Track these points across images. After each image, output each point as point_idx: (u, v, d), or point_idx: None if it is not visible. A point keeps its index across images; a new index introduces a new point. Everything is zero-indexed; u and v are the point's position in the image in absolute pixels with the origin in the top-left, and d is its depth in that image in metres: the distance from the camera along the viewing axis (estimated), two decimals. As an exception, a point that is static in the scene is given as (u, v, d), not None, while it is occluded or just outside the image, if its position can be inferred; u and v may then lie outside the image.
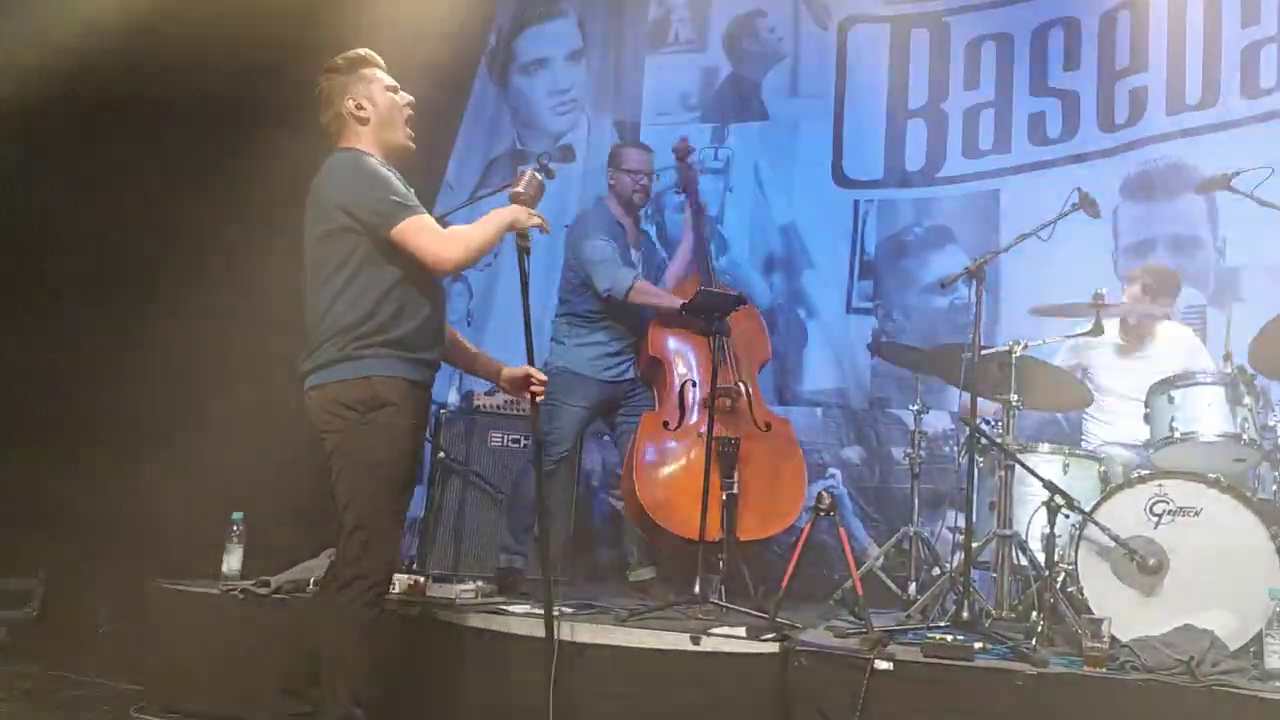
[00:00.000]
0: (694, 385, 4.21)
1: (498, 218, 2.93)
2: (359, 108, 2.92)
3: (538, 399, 3.12)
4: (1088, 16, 5.28)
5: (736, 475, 3.76)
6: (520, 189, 3.02)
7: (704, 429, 3.80)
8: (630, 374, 4.36)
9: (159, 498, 4.40)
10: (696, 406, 4.17)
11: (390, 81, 2.99)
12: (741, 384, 4.21)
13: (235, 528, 3.87)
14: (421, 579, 3.64)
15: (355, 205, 2.79)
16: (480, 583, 3.79)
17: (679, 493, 3.97)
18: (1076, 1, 5.32)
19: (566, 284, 4.37)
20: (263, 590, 3.59)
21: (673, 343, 4.28)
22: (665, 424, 4.16)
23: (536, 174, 3.07)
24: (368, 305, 2.79)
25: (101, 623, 4.38)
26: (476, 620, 3.33)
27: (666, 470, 4.08)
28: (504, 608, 3.46)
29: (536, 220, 2.96)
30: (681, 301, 4.13)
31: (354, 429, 2.75)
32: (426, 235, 2.81)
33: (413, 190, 2.92)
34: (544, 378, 3.13)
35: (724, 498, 3.70)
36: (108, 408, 4.49)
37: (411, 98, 3.00)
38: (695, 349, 4.27)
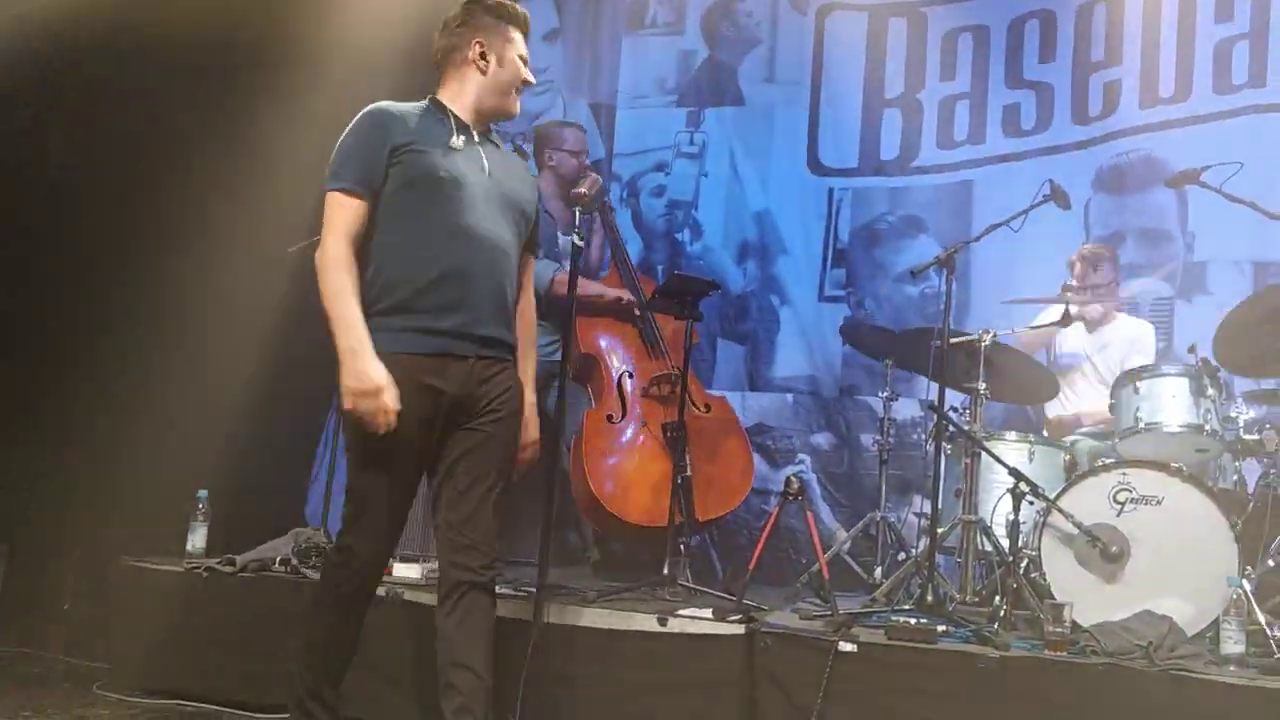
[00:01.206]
0: (630, 376, 4.25)
1: (352, 339, 2.44)
2: (483, 57, 2.69)
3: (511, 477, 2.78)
4: (1064, 10, 5.31)
5: (688, 458, 3.80)
6: (584, 190, 3.02)
7: (647, 419, 3.94)
8: (557, 355, 4.32)
9: (125, 473, 4.36)
10: (636, 396, 4.21)
11: (525, 51, 2.77)
12: (677, 369, 4.24)
13: (200, 505, 3.85)
14: (390, 560, 3.62)
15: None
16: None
17: (634, 484, 4.02)
18: (1053, -6, 5.37)
19: None
20: (227, 569, 3.57)
21: (601, 337, 4.31)
22: (609, 418, 4.19)
23: (599, 180, 3.07)
24: (365, 272, 2.57)
25: (65, 599, 4.33)
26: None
27: (619, 464, 4.11)
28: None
29: (372, 406, 2.42)
30: (604, 290, 4.21)
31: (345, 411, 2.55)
32: (328, 215, 2.54)
33: (449, 143, 2.61)
34: (532, 458, 2.86)
35: (678, 481, 3.73)
36: (73, 381, 4.44)
37: (534, 81, 2.79)
38: (624, 340, 4.32)
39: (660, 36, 5.95)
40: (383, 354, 2.49)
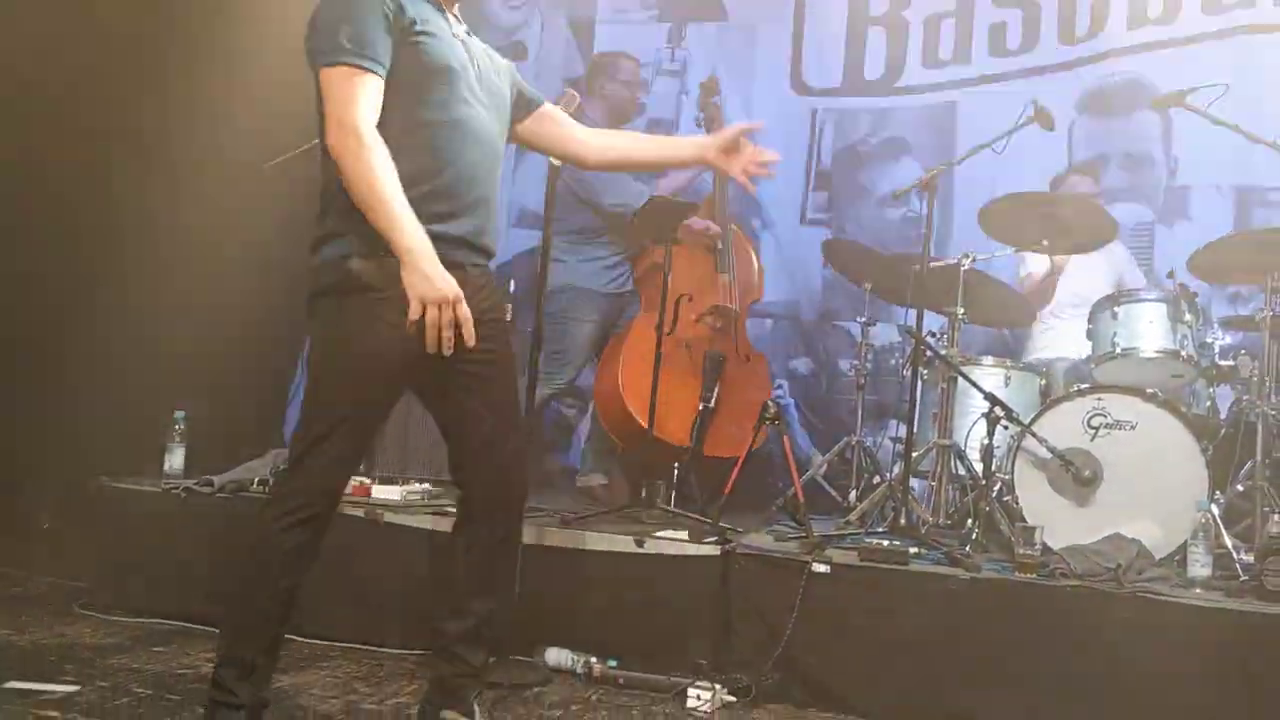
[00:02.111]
0: (689, 300, 4.32)
1: (412, 239, 2.13)
2: None
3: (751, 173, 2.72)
4: (1054, -77, 5.19)
5: (716, 391, 3.84)
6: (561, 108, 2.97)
7: (692, 343, 4.12)
8: (629, 285, 4.46)
9: (104, 392, 4.33)
10: (689, 320, 4.30)
11: None
12: (736, 307, 4.42)
13: (177, 426, 3.84)
14: (367, 481, 3.63)
15: (307, 30, 2.23)
16: (428, 485, 3.78)
17: (660, 395, 4.04)
18: (1044, -93, 5.22)
19: (561, 202, 4.25)
20: (205, 490, 3.57)
21: (676, 257, 4.30)
22: (657, 328, 4.18)
23: (576, 96, 3.00)
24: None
25: (45, 519, 4.33)
26: (425, 521, 3.32)
27: (651, 371, 4.12)
28: (451, 509, 3.47)
29: (447, 315, 2.13)
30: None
31: (324, 318, 2.24)
32: (340, 92, 2.14)
33: (447, 29, 2.30)
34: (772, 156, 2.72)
35: (700, 408, 3.76)
36: (47, 299, 4.38)
37: None
38: (696, 267, 4.40)
39: (640, -53, 5.78)
40: (370, 259, 2.17)
